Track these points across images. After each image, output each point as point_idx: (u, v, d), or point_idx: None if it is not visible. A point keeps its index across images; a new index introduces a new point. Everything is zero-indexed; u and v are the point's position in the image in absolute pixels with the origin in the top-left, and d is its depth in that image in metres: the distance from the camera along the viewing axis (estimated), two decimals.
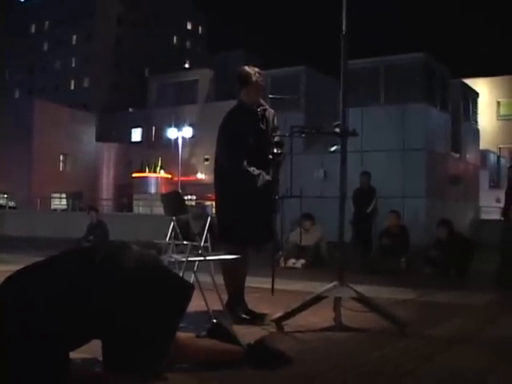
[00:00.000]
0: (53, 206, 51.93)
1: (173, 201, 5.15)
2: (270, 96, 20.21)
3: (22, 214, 31.80)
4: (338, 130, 5.18)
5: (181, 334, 3.76)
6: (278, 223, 8.10)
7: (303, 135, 5.92)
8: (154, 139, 67.22)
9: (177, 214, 5.24)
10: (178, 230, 4.92)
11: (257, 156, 5.65)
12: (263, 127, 5.88)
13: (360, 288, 5.31)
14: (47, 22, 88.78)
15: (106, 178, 66.81)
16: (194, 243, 5.39)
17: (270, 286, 7.49)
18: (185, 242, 5.93)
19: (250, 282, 8.69)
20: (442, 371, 3.91)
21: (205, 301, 5.39)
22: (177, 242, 6.90)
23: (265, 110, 5.99)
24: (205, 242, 5.31)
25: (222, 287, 5.43)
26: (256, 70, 5.93)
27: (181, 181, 52.56)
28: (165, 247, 7.76)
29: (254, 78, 5.80)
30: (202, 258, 4.95)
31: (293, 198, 6.51)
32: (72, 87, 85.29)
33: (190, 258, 4.94)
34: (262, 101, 6.07)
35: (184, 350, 3.70)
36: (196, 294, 5.68)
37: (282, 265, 11.68)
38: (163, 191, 60.06)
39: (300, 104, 22.88)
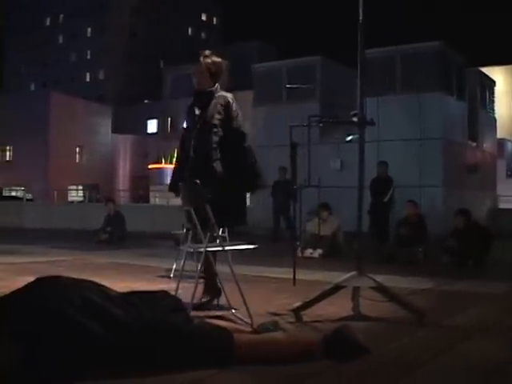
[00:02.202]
0: (69, 198, 52.19)
1: (191, 191, 5.14)
2: (288, 86, 20.19)
3: (40, 207, 31.90)
4: (355, 119, 5.16)
5: (247, 335, 3.85)
6: (292, 212, 8.10)
7: (320, 124, 5.88)
8: (169, 130, 67.26)
9: (195, 203, 5.22)
10: (196, 220, 4.90)
11: (184, 150, 5.76)
12: (194, 116, 5.75)
13: (378, 278, 5.28)
14: (62, 15, 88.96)
15: (122, 170, 67.01)
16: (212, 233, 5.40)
17: (287, 276, 7.49)
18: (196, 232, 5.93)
19: (268, 272, 8.74)
20: (461, 361, 3.88)
21: (223, 291, 5.38)
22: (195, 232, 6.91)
23: (201, 97, 5.79)
24: (222, 231, 5.30)
25: (240, 277, 5.42)
26: (205, 52, 5.81)
27: None
28: (182, 237, 7.80)
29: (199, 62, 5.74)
30: (221, 248, 4.94)
31: (311, 187, 6.47)
32: (87, 79, 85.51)
33: (208, 249, 4.93)
34: (214, 88, 5.81)
35: (261, 348, 3.68)
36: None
37: (300, 255, 11.66)
38: None
39: (315, 94, 22.81)
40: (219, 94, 5.72)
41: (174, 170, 5.91)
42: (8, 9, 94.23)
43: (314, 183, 8.07)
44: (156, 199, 44.76)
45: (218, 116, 5.61)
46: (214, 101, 5.66)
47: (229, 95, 5.72)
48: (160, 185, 56.15)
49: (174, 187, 5.86)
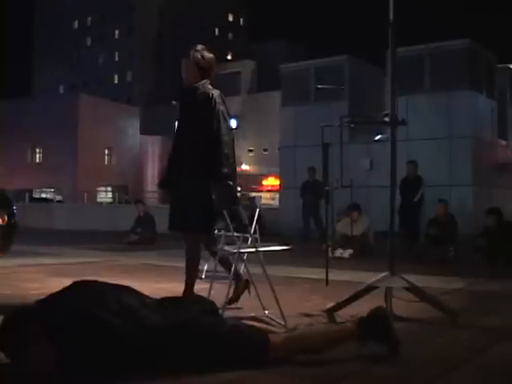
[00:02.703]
0: (98, 199, 52.52)
1: (225, 193, 5.14)
2: (319, 86, 20.15)
3: (69, 208, 32.15)
4: (387, 119, 5.14)
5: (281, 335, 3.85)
6: (323, 213, 8.08)
7: (352, 125, 5.82)
8: None
9: (229, 206, 5.22)
10: (229, 221, 4.91)
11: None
12: (182, 112, 5.57)
13: (409, 278, 5.25)
14: (90, 18, 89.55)
15: (150, 171, 67.28)
16: (245, 234, 5.40)
17: (319, 277, 7.49)
18: (229, 234, 5.93)
19: (299, 272, 8.74)
20: (496, 362, 3.85)
21: (256, 292, 5.39)
22: (227, 234, 6.92)
23: (183, 95, 5.62)
24: (254, 232, 5.29)
25: (272, 278, 5.42)
26: (197, 47, 5.58)
27: None
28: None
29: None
30: (254, 250, 4.95)
31: (344, 188, 6.44)
32: (116, 81, 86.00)
33: (241, 250, 4.94)
34: (200, 83, 5.47)
35: (296, 345, 3.71)
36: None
37: (330, 255, 11.64)
38: None
39: (343, 93, 22.75)
40: (203, 90, 5.38)
41: (166, 168, 5.74)
42: (36, 12, 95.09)
43: (345, 183, 8.05)
44: None
45: (197, 114, 5.35)
46: (196, 98, 5.37)
47: (214, 92, 5.36)
48: None
49: (164, 184, 5.79)
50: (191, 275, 5.40)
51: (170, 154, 5.65)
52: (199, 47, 5.51)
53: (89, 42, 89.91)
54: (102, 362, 3.27)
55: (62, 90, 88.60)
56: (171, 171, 5.56)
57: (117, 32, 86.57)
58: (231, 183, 5.00)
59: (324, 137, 7.28)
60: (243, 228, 5.18)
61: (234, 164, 5.30)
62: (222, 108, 5.32)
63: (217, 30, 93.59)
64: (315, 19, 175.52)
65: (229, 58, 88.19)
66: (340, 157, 6.37)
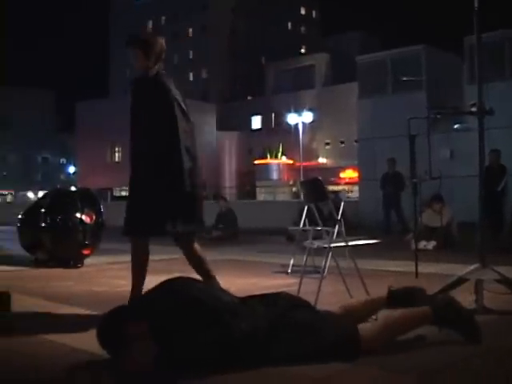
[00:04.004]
0: None
1: (313, 188, 5.16)
2: (404, 79, 19.95)
3: None
4: (474, 109, 5.08)
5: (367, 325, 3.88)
6: (410, 205, 8.00)
7: (438, 116, 5.74)
8: (273, 126, 67.62)
9: (318, 200, 5.25)
10: (319, 216, 4.94)
11: None
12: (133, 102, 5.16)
13: (499, 269, 5.17)
14: (163, 17, 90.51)
15: (228, 166, 67.80)
16: (327, 228, 5.42)
17: (405, 269, 7.46)
18: (318, 228, 5.95)
19: (385, 265, 8.69)
20: None
21: (346, 286, 5.40)
22: (310, 228, 6.94)
23: (137, 81, 5.21)
24: (339, 227, 5.30)
25: (361, 271, 5.41)
26: (143, 32, 5.39)
27: (302, 166, 52.62)
28: (299, 233, 7.84)
29: None
30: (344, 244, 4.96)
31: (433, 179, 6.37)
32: (191, 79, 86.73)
33: (332, 244, 4.96)
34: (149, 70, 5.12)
35: (384, 333, 3.75)
36: (335, 279, 5.75)
37: (413, 247, 11.53)
38: (285, 177, 60.49)
39: (421, 84, 22.47)
40: (154, 77, 5.02)
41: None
42: (111, 13, 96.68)
43: (423, 174, 7.96)
44: (263, 194, 45.07)
45: (143, 105, 5.00)
46: (147, 86, 5.04)
47: (162, 78, 5.01)
48: (266, 180, 56.57)
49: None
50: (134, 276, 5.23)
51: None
52: (144, 32, 5.21)
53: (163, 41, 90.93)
54: (206, 359, 3.32)
55: None
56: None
57: (190, 30, 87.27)
58: (320, 178, 5.00)
59: (406, 128, 7.22)
60: (333, 222, 5.19)
61: (194, 155, 4.94)
62: (176, 96, 4.95)
63: (289, 24, 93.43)
64: (387, 9, 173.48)
65: (302, 51, 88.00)
66: (428, 148, 6.30)
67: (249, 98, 76.17)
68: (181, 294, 3.53)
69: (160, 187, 4.78)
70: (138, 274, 5.12)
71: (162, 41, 5.12)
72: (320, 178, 4.91)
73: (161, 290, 3.64)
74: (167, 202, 4.77)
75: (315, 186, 4.99)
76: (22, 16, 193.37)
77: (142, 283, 5.04)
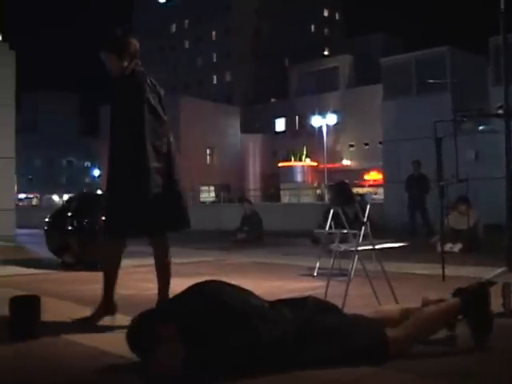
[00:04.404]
0: (201, 199, 53.29)
1: (340, 191, 5.16)
2: (430, 81, 19.86)
3: None
4: (501, 111, 5.06)
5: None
6: (435, 208, 7.97)
7: (464, 119, 5.71)
8: (297, 128, 67.62)
9: (345, 204, 5.25)
10: (346, 219, 4.93)
11: None
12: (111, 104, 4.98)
13: None
14: (187, 21, 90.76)
15: (252, 169, 67.88)
16: (354, 231, 5.41)
17: (432, 272, 7.43)
18: (345, 231, 5.94)
19: (410, 268, 8.64)
20: None
21: (372, 288, 5.39)
22: (336, 231, 6.94)
23: (115, 83, 5.01)
24: (365, 229, 5.30)
25: (387, 274, 5.39)
26: (110, 34, 5.03)
27: (326, 168, 52.55)
28: (324, 236, 7.84)
29: None
30: (371, 247, 4.96)
31: (460, 182, 6.36)
32: (215, 82, 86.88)
33: (359, 248, 4.96)
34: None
35: (412, 333, 3.73)
36: (361, 282, 5.74)
37: (439, 249, 11.47)
38: (309, 179, 60.44)
39: (446, 85, 22.35)
40: (127, 77, 4.86)
41: None
42: (134, 18, 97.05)
43: (448, 176, 7.93)
44: (287, 197, 45.05)
45: (118, 107, 4.88)
46: (122, 87, 4.87)
47: (137, 78, 4.86)
48: (290, 182, 56.54)
49: None
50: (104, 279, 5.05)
51: None
52: (116, 33, 4.95)
53: (187, 44, 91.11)
54: (234, 362, 3.34)
55: (162, 92, 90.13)
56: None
57: (214, 33, 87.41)
58: (347, 181, 5.00)
59: (431, 130, 7.21)
60: (359, 225, 5.18)
61: (168, 156, 4.79)
62: (149, 95, 4.80)
63: (313, 27, 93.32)
64: (410, 10, 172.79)
65: (326, 53, 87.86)
66: (455, 151, 6.28)
67: (272, 100, 76.14)
68: (209, 298, 3.55)
69: (130, 189, 4.66)
70: (108, 275, 4.96)
71: (134, 40, 5.01)
72: (347, 181, 4.91)
73: (190, 293, 3.66)
74: (137, 203, 4.64)
75: (342, 190, 5.00)
76: (46, 19, 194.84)
77: (114, 283, 4.95)
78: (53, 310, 4.79)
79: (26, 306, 4.45)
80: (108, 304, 4.86)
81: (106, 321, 4.54)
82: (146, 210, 4.64)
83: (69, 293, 4.69)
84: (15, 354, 3.93)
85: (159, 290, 4.81)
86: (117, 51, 4.80)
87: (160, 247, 5.05)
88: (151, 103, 4.74)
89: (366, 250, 5.10)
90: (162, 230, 4.93)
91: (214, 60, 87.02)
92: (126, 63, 4.82)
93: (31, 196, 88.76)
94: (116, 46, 4.84)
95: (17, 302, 4.48)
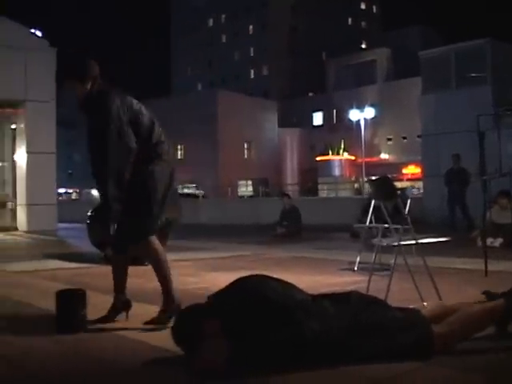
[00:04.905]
0: (239, 193, 53.44)
1: (383, 186, 5.16)
2: (473, 75, 19.68)
3: (214, 203, 32.93)
4: None
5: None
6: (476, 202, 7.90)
7: (508, 112, 5.65)
8: (335, 122, 67.46)
9: (387, 198, 5.24)
10: (386, 213, 4.92)
11: None
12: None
13: None
14: (224, 16, 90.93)
15: (289, 163, 67.92)
16: (397, 226, 5.40)
17: (472, 267, 7.39)
18: (387, 225, 5.94)
19: (451, 263, 8.58)
20: None
21: (414, 283, 5.37)
22: (377, 225, 6.93)
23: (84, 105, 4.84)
24: (406, 224, 5.28)
25: (424, 268, 5.36)
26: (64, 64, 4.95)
27: (364, 162, 52.36)
28: (364, 231, 7.84)
29: None
30: (415, 242, 4.95)
31: (503, 176, 6.31)
32: (252, 76, 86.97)
33: (402, 242, 4.95)
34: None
35: (457, 330, 3.70)
36: (402, 276, 5.74)
37: (479, 244, 11.39)
38: (347, 173, 60.30)
39: (486, 78, 22.14)
40: (93, 99, 4.73)
41: None
42: (172, 13, 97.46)
43: (491, 170, 7.87)
44: (324, 191, 44.98)
45: (89, 128, 4.78)
46: (90, 107, 4.75)
47: (103, 98, 4.68)
48: (328, 176, 56.45)
49: None
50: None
51: None
52: (69, 58, 4.94)
53: (224, 39, 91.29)
54: (278, 357, 3.36)
55: (199, 87, 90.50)
56: None
57: (251, 28, 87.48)
58: (389, 176, 4.99)
59: (470, 124, 7.17)
60: (398, 219, 5.18)
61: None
62: (117, 113, 4.61)
63: (350, 20, 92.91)
64: (449, 2, 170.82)
65: (363, 46, 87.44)
66: (499, 146, 6.24)
67: (310, 94, 76.05)
68: (252, 293, 3.57)
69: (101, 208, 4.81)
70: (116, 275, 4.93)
71: (93, 62, 4.80)
72: (389, 175, 4.91)
73: (234, 288, 3.68)
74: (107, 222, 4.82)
75: (385, 184, 5.00)
76: (83, 15, 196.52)
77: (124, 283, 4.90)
78: (96, 304, 4.86)
79: (72, 299, 4.50)
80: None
81: (150, 315, 4.59)
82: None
83: (111, 287, 4.75)
84: (61, 348, 4.00)
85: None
86: (79, 78, 4.69)
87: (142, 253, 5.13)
88: (117, 123, 4.57)
89: (408, 244, 5.09)
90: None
91: (251, 54, 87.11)
92: (88, 86, 4.69)
93: (71, 191, 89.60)
94: (77, 73, 4.71)
95: (63, 296, 4.53)
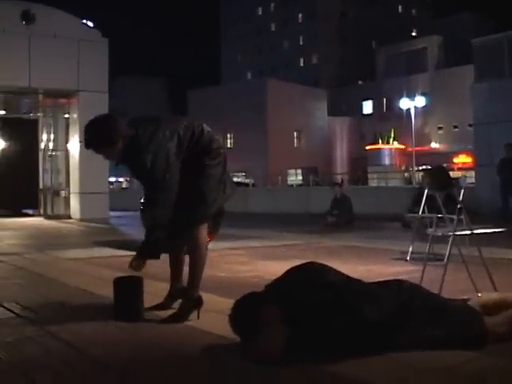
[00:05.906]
0: (288, 182, 53.45)
1: (438, 176, 5.13)
2: None
3: (264, 191, 33.02)
4: None
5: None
6: None
7: None
8: (385, 110, 66.98)
9: (443, 188, 5.20)
10: (440, 203, 4.89)
11: None
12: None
13: None
14: (273, 4, 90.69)
15: (339, 152, 67.69)
16: (451, 216, 5.38)
17: None
18: (440, 215, 5.92)
19: (504, 254, 8.47)
20: None
21: (469, 274, 5.34)
22: (431, 215, 6.91)
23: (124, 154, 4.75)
24: (459, 214, 5.25)
25: (478, 259, 5.33)
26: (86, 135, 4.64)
27: (415, 151, 51.96)
28: (417, 220, 7.81)
29: None
30: (470, 232, 4.93)
31: None
32: (301, 64, 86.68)
33: (457, 232, 4.93)
34: None
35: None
36: (456, 267, 5.71)
37: None
38: (397, 163, 59.86)
39: None
40: (128, 146, 4.54)
41: None
42: (221, 2, 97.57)
43: None
44: (374, 180, 44.72)
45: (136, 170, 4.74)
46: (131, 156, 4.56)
47: (136, 142, 4.52)
48: (378, 165, 56.12)
49: None
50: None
51: None
52: (95, 128, 4.55)
53: (273, 27, 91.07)
54: (337, 344, 3.37)
55: (249, 76, 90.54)
56: None
57: (300, 16, 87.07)
58: (444, 166, 4.97)
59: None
60: (450, 209, 5.16)
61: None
62: (155, 149, 4.47)
63: (400, 7, 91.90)
64: None
65: (414, 34, 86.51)
66: None
67: (359, 82, 75.61)
68: (315, 279, 3.60)
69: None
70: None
71: (117, 121, 4.56)
72: (444, 165, 4.89)
73: (293, 275, 3.71)
74: None
75: (440, 174, 4.98)
76: (134, 5, 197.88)
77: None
78: (151, 291, 4.94)
79: (130, 287, 4.57)
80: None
81: (206, 303, 4.64)
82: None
83: (166, 274, 4.82)
84: (123, 335, 4.08)
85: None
86: (110, 143, 4.50)
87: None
88: (157, 157, 4.45)
89: (464, 235, 5.07)
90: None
91: (301, 43, 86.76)
92: (121, 144, 4.49)
93: (121, 179, 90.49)
94: (105, 139, 4.49)
95: (120, 283, 4.60)
